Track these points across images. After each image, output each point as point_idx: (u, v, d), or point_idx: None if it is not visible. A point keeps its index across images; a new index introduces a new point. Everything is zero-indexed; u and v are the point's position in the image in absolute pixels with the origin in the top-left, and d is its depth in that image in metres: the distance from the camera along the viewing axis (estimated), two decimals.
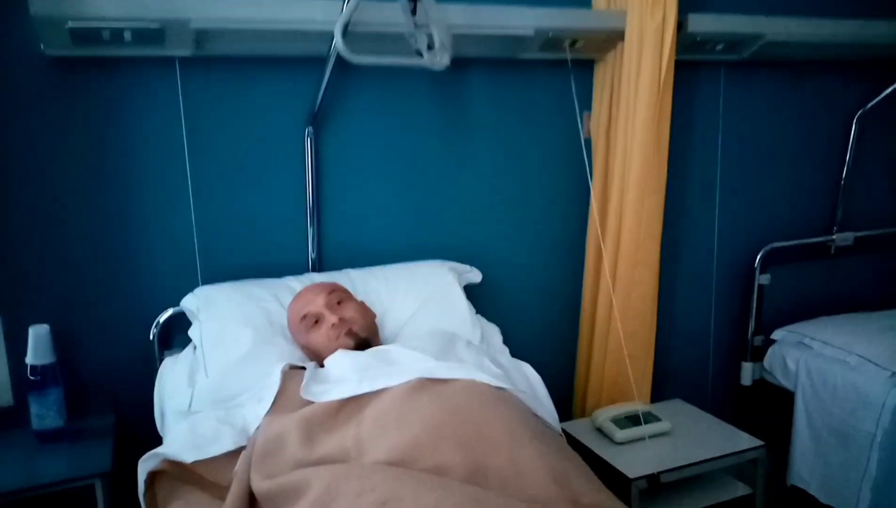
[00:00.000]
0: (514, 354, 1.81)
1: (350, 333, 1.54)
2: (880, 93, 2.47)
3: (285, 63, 1.83)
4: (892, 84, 2.43)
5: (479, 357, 1.50)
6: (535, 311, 2.24)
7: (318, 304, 1.59)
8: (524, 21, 1.91)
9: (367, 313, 1.64)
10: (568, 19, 1.96)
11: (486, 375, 1.37)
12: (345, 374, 1.39)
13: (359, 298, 1.72)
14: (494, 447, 1.18)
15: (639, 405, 2.02)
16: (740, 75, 2.38)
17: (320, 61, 1.72)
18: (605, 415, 1.97)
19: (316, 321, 1.58)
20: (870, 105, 2.50)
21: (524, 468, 1.15)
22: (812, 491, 2.13)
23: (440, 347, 1.49)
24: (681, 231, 2.38)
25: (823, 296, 2.50)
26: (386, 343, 1.62)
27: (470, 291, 1.95)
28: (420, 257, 2.01)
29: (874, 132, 2.61)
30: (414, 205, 2.05)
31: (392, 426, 1.22)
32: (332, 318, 1.56)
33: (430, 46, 1.59)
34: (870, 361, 2.04)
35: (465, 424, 1.21)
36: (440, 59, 1.56)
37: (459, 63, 1.98)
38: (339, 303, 1.60)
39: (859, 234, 2.56)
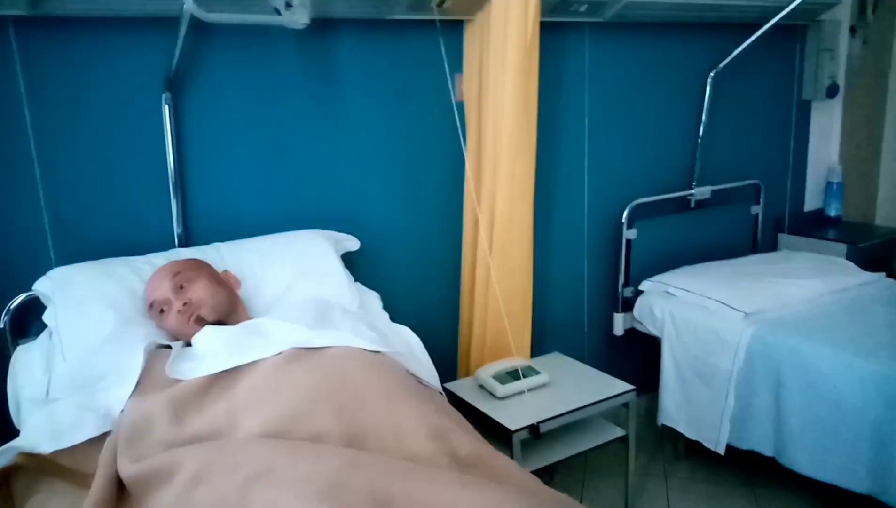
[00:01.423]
0: (397, 318, 1.81)
1: (198, 319, 1.48)
2: (739, 49, 2.61)
3: (137, 23, 1.70)
4: (741, 45, 2.59)
5: (356, 324, 1.49)
6: (417, 275, 2.25)
7: (163, 290, 1.52)
8: None
9: (220, 291, 1.56)
10: None
11: (361, 340, 1.36)
12: (213, 349, 1.34)
13: (231, 270, 1.66)
14: (371, 409, 1.18)
15: (519, 361, 2.09)
16: (604, 36, 2.46)
17: (176, 21, 1.61)
18: (487, 372, 2.02)
19: (164, 308, 1.51)
20: (722, 65, 2.65)
21: (402, 427, 1.16)
22: (680, 429, 2.29)
23: (315, 316, 1.46)
24: (553, 190, 2.45)
25: (686, 247, 2.65)
26: (260, 316, 1.57)
27: (349, 258, 1.93)
28: (295, 226, 1.95)
29: (727, 91, 2.78)
30: (286, 173, 1.98)
31: (265, 398, 1.19)
32: (177, 304, 1.49)
33: (290, 5, 1.53)
34: (726, 304, 2.20)
35: (340, 390, 1.20)
36: (299, 18, 1.50)
37: (327, 23, 1.92)
38: (185, 285, 1.52)
39: (716, 187, 2.74)
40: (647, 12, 2.42)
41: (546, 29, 2.11)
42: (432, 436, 1.15)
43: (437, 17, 2.04)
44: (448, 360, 2.30)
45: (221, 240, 1.84)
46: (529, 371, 2.03)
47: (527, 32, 2.01)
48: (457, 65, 2.17)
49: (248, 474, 1.02)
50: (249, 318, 1.55)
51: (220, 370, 1.27)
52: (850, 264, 2.61)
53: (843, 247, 2.82)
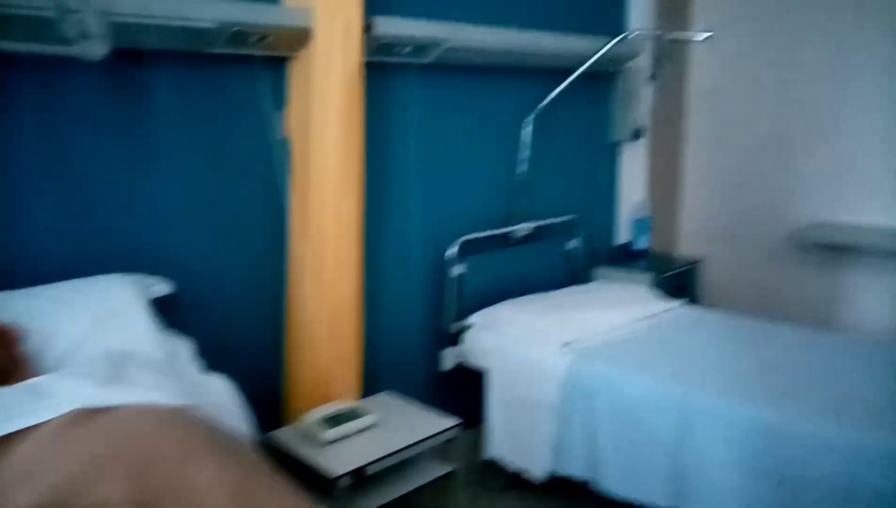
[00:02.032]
0: (217, 367, 1.71)
1: None
2: (555, 94, 2.78)
3: None
4: (558, 88, 2.76)
5: (157, 377, 1.38)
6: (239, 318, 2.15)
7: None
8: (205, 13, 1.81)
9: None
10: (252, 14, 1.91)
11: (159, 395, 1.27)
12: None
13: (13, 322, 1.49)
14: (166, 471, 1.09)
15: (347, 403, 2.05)
16: (432, 77, 2.52)
17: None
18: (312, 418, 1.96)
19: None
20: (540, 108, 2.81)
21: (200, 488, 1.08)
22: (506, 460, 2.35)
23: (108, 371, 1.34)
24: (384, 228, 2.45)
25: (511, 281, 2.76)
26: (50, 373, 1.42)
27: (160, 304, 1.80)
28: (101, 270, 1.79)
29: (547, 133, 2.95)
30: (91, 213, 1.82)
31: (42, 468, 1.06)
32: None
33: (86, 35, 1.42)
34: (545, 335, 2.31)
35: (131, 452, 1.10)
36: (94, 50, 1.40)
37: (138, 55, 1.81)
38: None
39: (537, 223, 2.89)
40: (469, 56, 2.53)
41: (374, 69, 2.13)
42: (233, 494, 1.08)
43: (258, 52, 2.00)
44: (273, 407, 2.21)
45: (12, 287, 1.65)
46: (357, 413, 2.00)
47: (350, 72, 2.01)
48: (282, 101, 2.13)
49: None
50: (34, 376, 1.39)
51: None
52: (656, 292, 2.85)
53: (650, 277, 3.07)
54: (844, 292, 3.31)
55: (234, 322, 2.13)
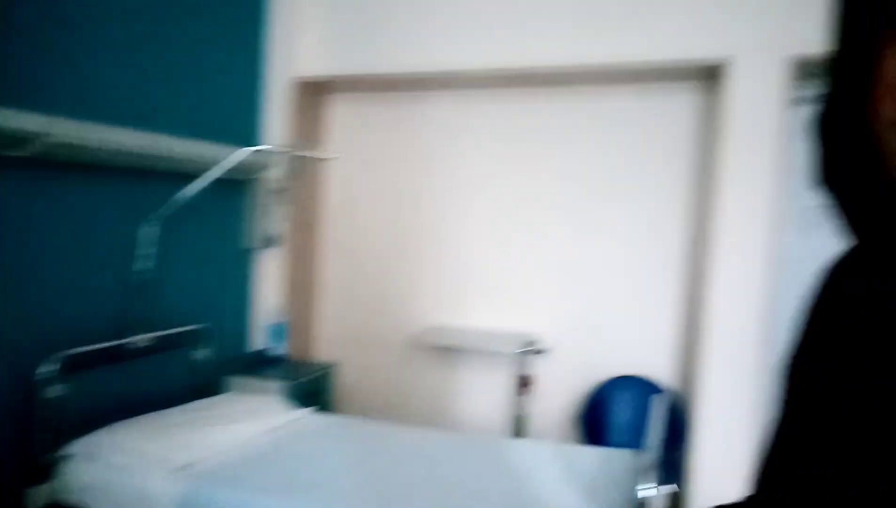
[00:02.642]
0: None
1: None
2: (182, 198, 2.68)
3: None
4: (187, 192, 2.67)
5: None
6: None
7: None
8: None
9: None
10: None
11: None
12: None
13: None
14: None
15: None
16: (36, 172, 2.23)
17: None
18: None
19: None
20: (167, 210, 2.67)
21: None
22: None
23: None
24: None
25: (128, 400, 2.50)
26: None
27: None
28: None
29: (177, 237, 2.81)
30: None
31: None
32: None
33: None
34: (157, 461, 2.11)
35: None
36: None
37: None
38: None
39: (159, 334, 2.68)
40: (85, 153, 2.32)
41: None
42: None
43: None
44: None
45: None
46: None
47: None
48: None
49: None
50: None
51: None
52: (286, 401, 2.83)
53: (284, 385, 3.05)
54: (459, 389, 3.70)
55: None
